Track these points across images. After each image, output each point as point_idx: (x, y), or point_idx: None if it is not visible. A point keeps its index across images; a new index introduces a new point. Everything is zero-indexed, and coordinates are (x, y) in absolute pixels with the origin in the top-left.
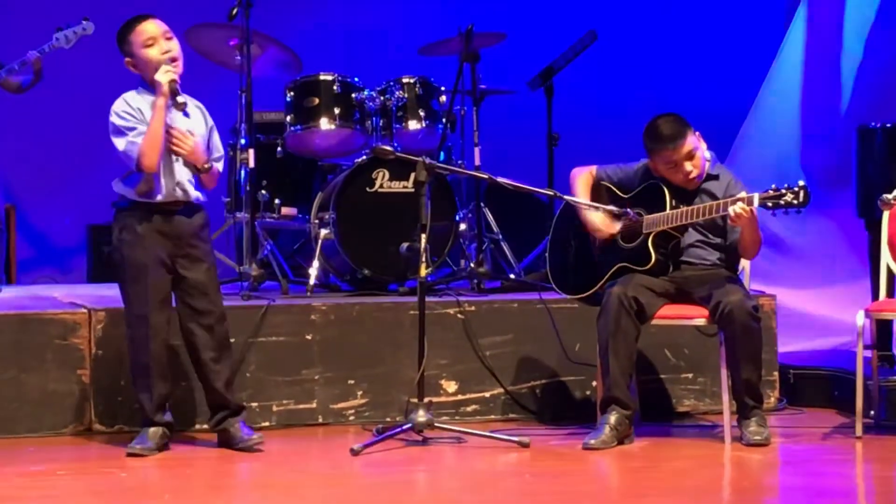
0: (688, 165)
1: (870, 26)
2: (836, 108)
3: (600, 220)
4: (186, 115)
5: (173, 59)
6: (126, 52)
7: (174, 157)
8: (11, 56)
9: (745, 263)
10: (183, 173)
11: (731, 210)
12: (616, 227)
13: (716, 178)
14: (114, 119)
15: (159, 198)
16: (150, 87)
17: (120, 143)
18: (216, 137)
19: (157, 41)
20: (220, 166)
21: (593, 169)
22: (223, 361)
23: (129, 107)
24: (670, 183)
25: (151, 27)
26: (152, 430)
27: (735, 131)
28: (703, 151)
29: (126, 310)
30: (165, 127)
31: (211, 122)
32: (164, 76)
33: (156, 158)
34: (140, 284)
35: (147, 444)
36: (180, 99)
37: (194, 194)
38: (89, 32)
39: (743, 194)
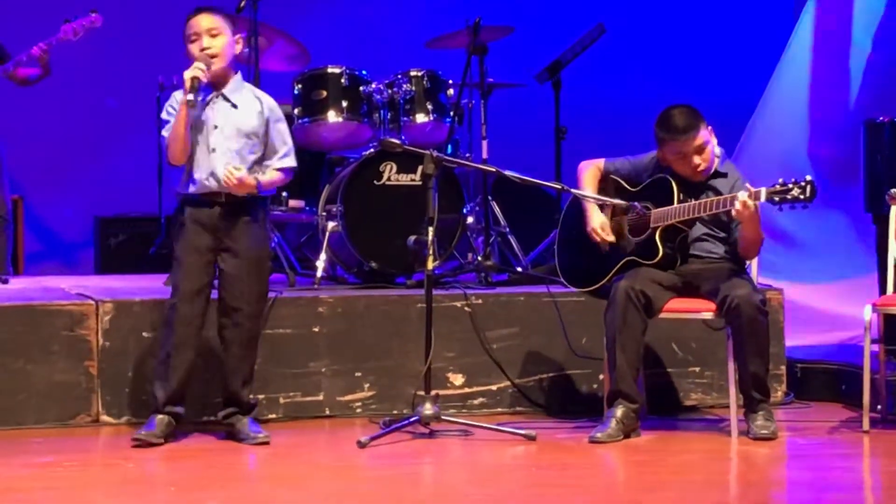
0: (696, 158)
1: (879, 20)
2: (845, 103)
3: (599, 224)
4: (235, 107)
5: (212, 56)
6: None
7: (211, 148)
8: (19, 48)
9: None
10: (217, 165)
11: (737, 204)
12: (611, 238)
13: (724, 175)
14: (162, 114)
15: (192, 189)
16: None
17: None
18: (278, 131)
19: (200, 37)
20: (287, 162)
21: (601, 162)
22: (246, 360)
23: (173, 101)
24: (678, 176)
25: (198, 22)
26: (159, 417)
27: (743, 125)
28: (714, 147)
29: (168, 298)
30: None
31: (270, 114)
32: (188, 72)
33: (177, 152)
34: (177, 273)
35: (153, 430)
36: (190, 97)
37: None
38: (97, 25)
39: (749, 188)
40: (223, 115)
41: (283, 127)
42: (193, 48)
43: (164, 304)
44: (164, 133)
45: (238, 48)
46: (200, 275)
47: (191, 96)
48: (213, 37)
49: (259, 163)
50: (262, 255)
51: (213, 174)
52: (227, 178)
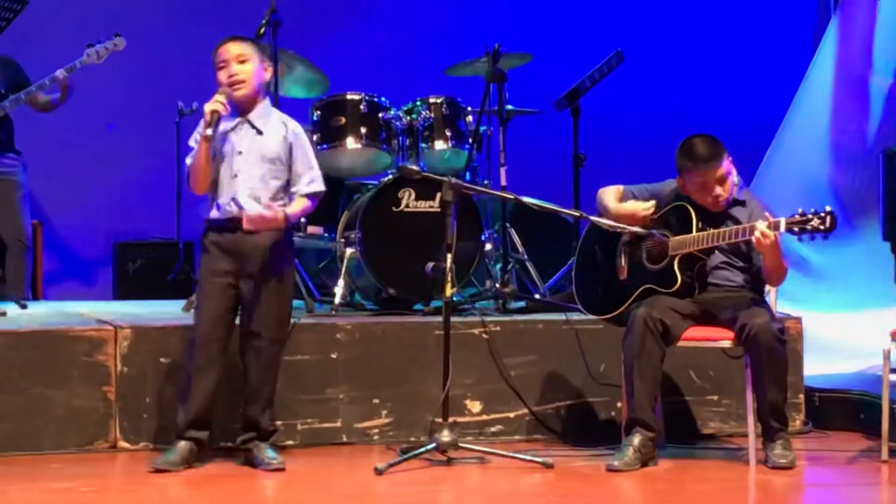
0: (718, 189)
1: None
2: (864, 131)
3: (631, 208)
4: (260, 133)
5: (240, 81)
6: None
7: (232, 172)
8: (42, 73)
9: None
10: (241, 190)
11: (756, 233)
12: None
13: (742, 204)
14: (190, 140)
15: (216, 214)
16: (232, 108)
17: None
18: (303, 155)
19: (228, 64)
20: (315, 187)
21: (619, 189)
22: (266, 386)
23: (199, 128)
24: (697, 204)
25: (227, 49)
26: (181, 444)
27: (762, 152)
28: (734, 176)
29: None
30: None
31: (294, 138)
32: (208, 105)
33: (198, 182)
34: (200, 298)
35: (171, 459)
36: (209, 132)
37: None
38: (121, 48)
39: (769, 217)
40: (248, 140)
41: (309, 151)
42: (222, 75)
43: (187, 329)
44: (188, 161)
45: (267, 76)
46: (221, 298)
47: (209, 131)
48: (242, 63)
49: (285, 189)
50: (283, 280)
51: (234, 199)
52: (247, 221)
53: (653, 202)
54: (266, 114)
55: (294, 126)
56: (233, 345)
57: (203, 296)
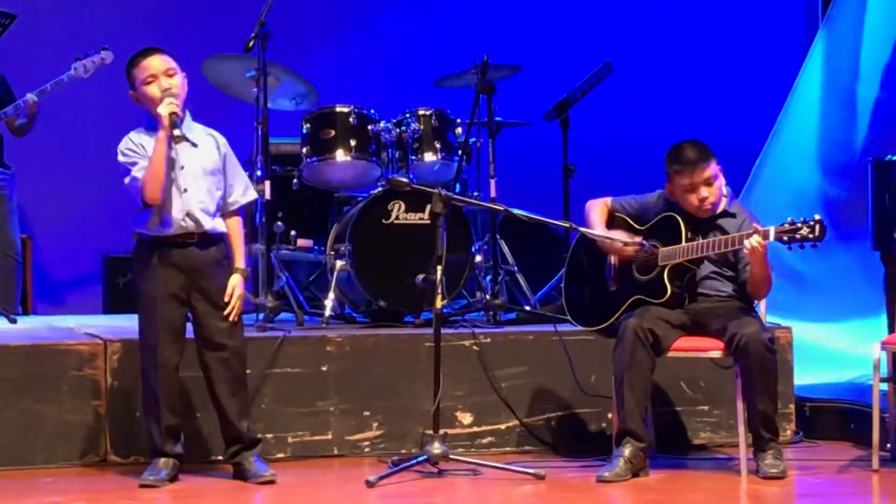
0: (705, 190)
1: (887, 60)
2: (852, 142)
3: (615, 235)
4: (194, 145)
5: (172, 97)
6: (131, 86)
7: (183, 189)
8: (30, 86)
9: None
10: (193, 204)
11: (746, 243)
12: (629, 249)
13: (732, 215)
14: (119, 157)
15: (170, 231)
16: (155, 121)
17: (126, 179)
18: (232, 165)
19: (157, 78)
20: (250, 196)
21: (608, 200)
22: (238, 395)
23: (132, 143)
24: (686, 214)
25: (153, 63)
26: (162, 460)
27: (751, 163)
28: (722, 185)
29: (139, 340)
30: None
31: (226, 149)
32: (164, 108)
33: (158, 190)
34: (150, 316)
35: (158, 475)
36: (177, 132)
37: (208, 225)
38: (108, 62)
39: (758, 227)
40: (186, 154)
41: (236, 160)
42: (152, 89)
43: (139, 347)
44: (137, 173)
45: (185, 87)
46: (176, 318)
47: (177, 131)
48: (171, 76)
49: (224, 199)
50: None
51: (189, 214)
52: (232, 312)
53: (637, 241)
54: (192, 127)
55: (218, 136)
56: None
57: (157, 317)
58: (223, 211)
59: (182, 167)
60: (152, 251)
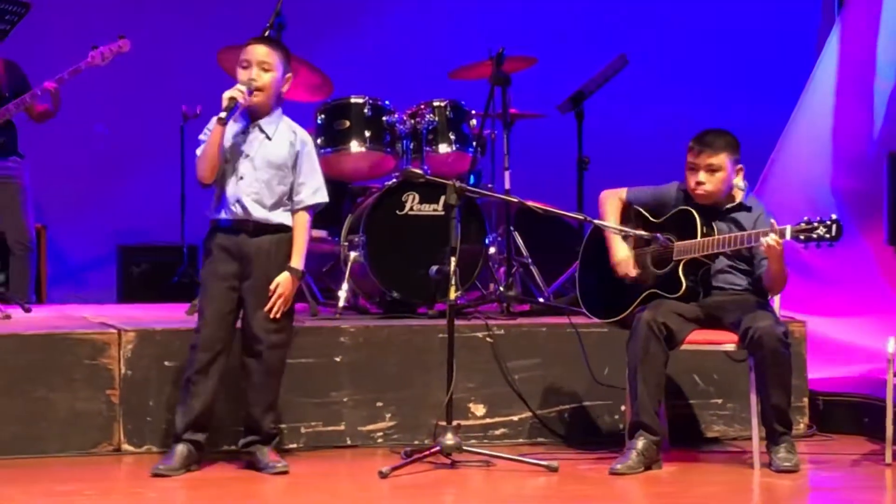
0: (702, 175)
1: None
2: (869, 134)
3: (624, 256)
4: (269, 138)
5: (257, 89)
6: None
7: (239, 176)
8: (47, 75)
9: None
10: (245, 192)
11: (762, 241)
12: (635, 272)
13: (748, 209)
14: (201, 135)
15: (223, 215)
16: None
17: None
18: (309, 165)
19: (251, 66)
20: (319, 198)
21: (623, 192)
22: (265, 389)
23: (210, 123)
24: (701, 208)
25: (253, 51)
26: (179, 447)
27: (766, 155)
28: (739, 182)
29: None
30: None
31: (303, 148)
32: (227, 92)
33: (206, 169)
34: (202, 299)
35: (171, 464)
36: (223, 115)
37: (258, 215)
38: (125, 50)
39: (775, 226)
40: (256, 145)
41: (315, 162)
42: (242, 74)
43: (190, 332)
44: (197, 151)
45: (286, 87)
46: (224, 301)
47: (223, 114)
48: (265, 71)
49: (290, 196)
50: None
51: (239, 202)
52: (274, 309)
53: (651, 235)
54: (276, 121)
55: (303, 135)
56: (236, 346)
57: (206, 298)
58: (290, 208)
59: (247, 155)
60: (214, 235)
